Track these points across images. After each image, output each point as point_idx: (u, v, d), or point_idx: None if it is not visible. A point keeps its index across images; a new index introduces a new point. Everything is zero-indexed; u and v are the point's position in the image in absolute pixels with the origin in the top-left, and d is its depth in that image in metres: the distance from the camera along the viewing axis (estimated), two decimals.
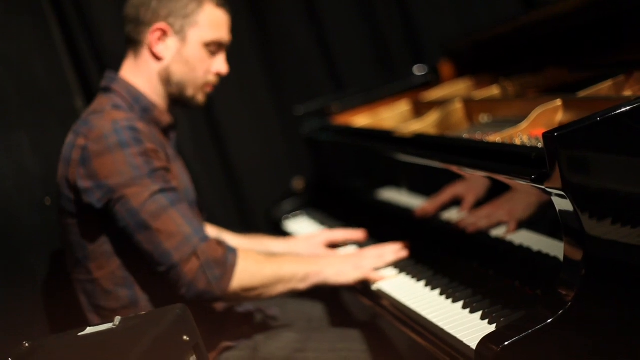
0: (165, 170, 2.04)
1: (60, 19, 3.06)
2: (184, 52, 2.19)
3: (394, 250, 2.20)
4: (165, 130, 2.24)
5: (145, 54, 2.20)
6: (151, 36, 2.18)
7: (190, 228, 2.00)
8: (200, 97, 2.27)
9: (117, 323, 1.51)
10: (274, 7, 3.62)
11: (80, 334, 1.53)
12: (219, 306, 2.25)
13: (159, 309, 1.55)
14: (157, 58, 2.19)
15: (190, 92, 2.23)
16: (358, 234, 2.49)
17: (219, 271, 2.00)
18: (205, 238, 2.02)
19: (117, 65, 3.13)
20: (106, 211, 2.01)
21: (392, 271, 2.13)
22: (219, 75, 2.28)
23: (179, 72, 2.20)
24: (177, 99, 2.25)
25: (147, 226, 1.97)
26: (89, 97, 3.08)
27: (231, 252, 2.04)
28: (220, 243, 2.04)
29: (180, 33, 2.18)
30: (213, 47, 2.23)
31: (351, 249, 2.44)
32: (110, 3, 3.24)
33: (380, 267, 2.16)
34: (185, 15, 2.18)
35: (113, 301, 2.09)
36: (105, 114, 2.06)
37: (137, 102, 2.16)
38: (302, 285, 2.12)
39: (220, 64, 2.27)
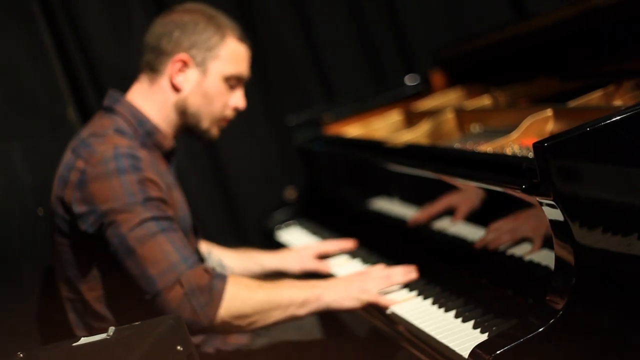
0: (161, 201, 2.00)
1: (51, 28, 3.06)
2: (203, 84, 2.18)
3: (403, 272, 2.05)
4: (167, 155, 2.22)
5: (163, 83, 2.18)
6: (172, 67, 2.16)
7: (178, 256, 1.93)
8: (215, 131, 2.26)
9: (111, 333, 1.52)
10: (264, 17, 3.63)
11: (74, 344, 1.53)
12: None
13: (153, 320, 1.55)
14: (176, 89, 2.17)
15: (205, 124, 2.22)
16: (348, 243, 2.48)
17: (204, 299, 1.91)
18: (192, 266, 1.94)
19: (108, 75, 3.17)
20: (98, 235, 1.98)
21: (405, 293, 2.01)
22: (236, 110, 2.27)
23: (196, 104, 2.18)
24: (191, 131, 2.24)
25: (134, 252, 1.93)
26: (81, 107, 3.08)
27: (219, 278, 1.95)
28: (207, 270, 1.96)
29: (202, 65, 2.17)
30: (233, 82, 2.22)
31: (342, 259, 2.44)
32: (101, 12, 3.24)
33: (388, 289, 2.03)
34: (208, 48, 2.17)
35: (103, 322, 2.07)
36: (107, 138, 2.04)
37: (141, 126, 2.13)
38: (301, 311, 1.99)
39: (238, 99, 2.26)
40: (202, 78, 2.18)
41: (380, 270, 2.07)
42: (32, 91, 2.61)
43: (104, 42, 3.21)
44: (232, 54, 2.21)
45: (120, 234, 1.94)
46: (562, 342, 1.46)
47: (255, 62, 3.62)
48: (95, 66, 3.17)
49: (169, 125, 2.20)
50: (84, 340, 1.54)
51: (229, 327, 1.96)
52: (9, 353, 1.55)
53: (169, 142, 2.20)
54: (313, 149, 3.05)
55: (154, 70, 2.19)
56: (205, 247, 2.50)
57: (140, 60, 2.23)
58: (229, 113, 2.26)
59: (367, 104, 3.11)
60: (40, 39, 2.77)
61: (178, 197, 2.19)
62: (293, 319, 2.01)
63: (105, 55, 3.19)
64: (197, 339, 2.16)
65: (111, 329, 1.53)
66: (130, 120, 2.13)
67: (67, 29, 3.12)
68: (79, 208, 1.98)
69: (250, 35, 3.55)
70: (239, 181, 3.58)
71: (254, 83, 3.59)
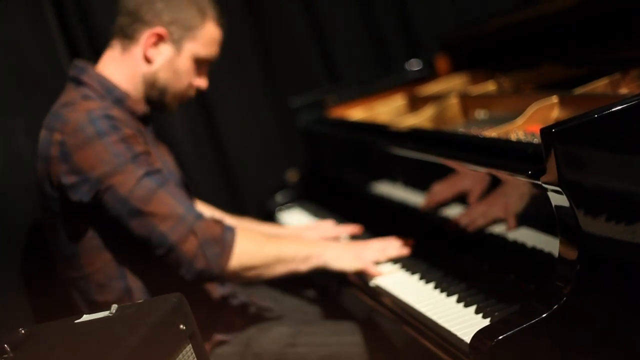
0: (147, 154, 2.02)
1: (55, 5, 3.04)
2: (175, 61, 2.17)
3: (397, 246, 2.18)
4: (142, 119, 2.20)
5: (135, 51, 2.16)
6: (147, 39, 2.15)
7: (183, 207, 1.98)
8: (174, 106, 2.27)
9: (114, 311, 1.51)
10: None
11: (76, 321, 1.53)
12: (214, 297, 2.24)
13: (156, 298, 1.55)
14: (148, 60, 2.16)
15: (168, 99, 2.22)
16: (354, 228, 2.47)
17: (217, 249, 1.98)
18: (200, 216, 2.00)
19: None
20: (95, 203, 1.98)
21: (391, 267, 2.11)
22: (198, 89, 2.28)
23: (164, 79, 2.18)
24: (152, 103, 2.23)
25: (140, 211, 1.96)
26: None
27: (229, 230, 2.02)
28: (217, 221, 2.02)
29: (177, 43, 2.16)
30: (202, 63, 2.23)
31: (343, 242, 2.44)
32: None
33: (381, 262, 2.14)
34: (187, 28, 2.16)
35: (107, 294, 2.07)
36: (77, 105, 2.02)
37: (110, 93, 2.12)
38: (303, 267, 2.10)
39: (203, 80, 2.27)
40: (175, 55, 2.17)
41: (376, 243, 2.19)
42: (35, 68, 2.60)
43: (106, 19, 3.18)
44: (208, 37, 2.20)
45: (121, 197, 1.95)
46: (565, 329, 1.46)
47: (259, 43, 3.64)
48: (97, 43, 3.15)
49: (136, 92, 2.19)
50: (86, 317, 1.54)
51: (237, 277, 2.06)
52: (9, 329, 1.55)
53: (141, 107, 2.18)
54: (316, 131, 3.04)
55: (127, 36, 2.17)
56: (207, 210, 2.53)
57: (113, 23, 2.20)
58: (192, 92, 2.27)
59: (371, 88, 3.11)
60: (43, 14, 2.76)
61: (162, 156, 2.21)
62: (295, 274, 2.12)
63: (107, 31, 3.17)
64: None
65: (114, 307, 1.52)
66: (98, 90, 2.11)
67: (70, 5, 3.10)
68: (68, 179, 1.98)
69: (255, 16, 3.58)
70: (241, 163, 3.57)
71: (257, 64, 3.58)
